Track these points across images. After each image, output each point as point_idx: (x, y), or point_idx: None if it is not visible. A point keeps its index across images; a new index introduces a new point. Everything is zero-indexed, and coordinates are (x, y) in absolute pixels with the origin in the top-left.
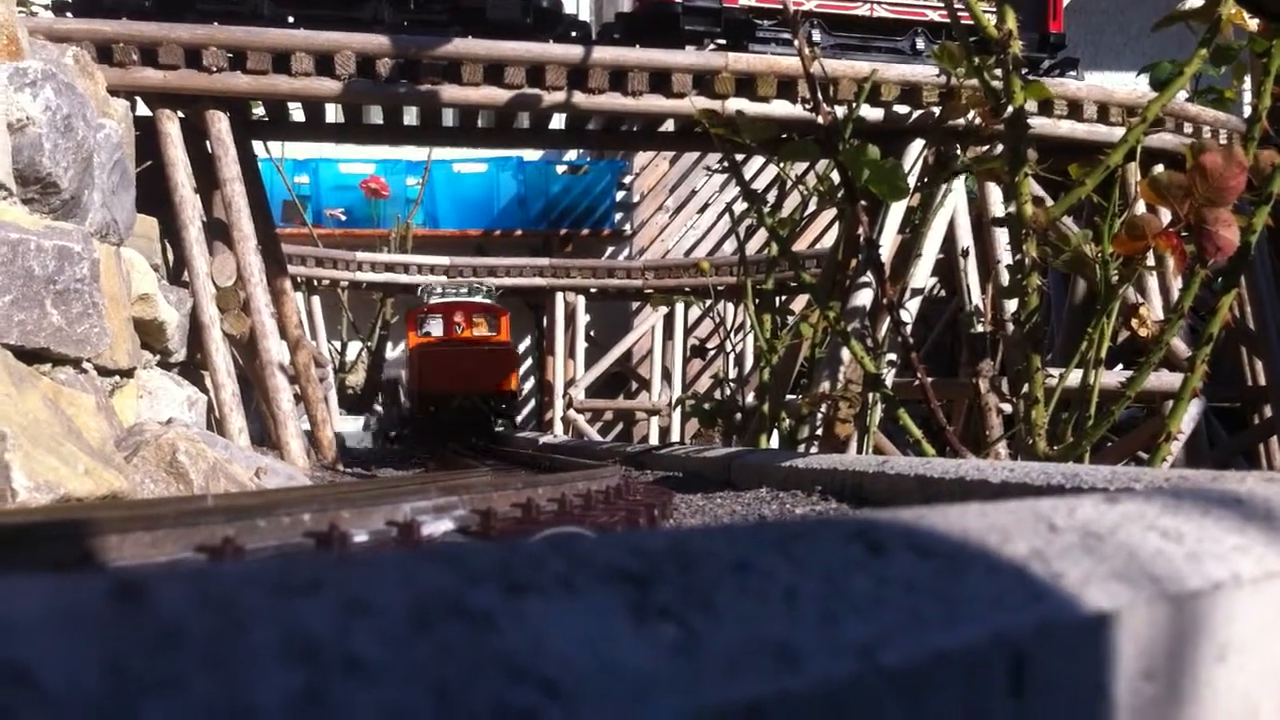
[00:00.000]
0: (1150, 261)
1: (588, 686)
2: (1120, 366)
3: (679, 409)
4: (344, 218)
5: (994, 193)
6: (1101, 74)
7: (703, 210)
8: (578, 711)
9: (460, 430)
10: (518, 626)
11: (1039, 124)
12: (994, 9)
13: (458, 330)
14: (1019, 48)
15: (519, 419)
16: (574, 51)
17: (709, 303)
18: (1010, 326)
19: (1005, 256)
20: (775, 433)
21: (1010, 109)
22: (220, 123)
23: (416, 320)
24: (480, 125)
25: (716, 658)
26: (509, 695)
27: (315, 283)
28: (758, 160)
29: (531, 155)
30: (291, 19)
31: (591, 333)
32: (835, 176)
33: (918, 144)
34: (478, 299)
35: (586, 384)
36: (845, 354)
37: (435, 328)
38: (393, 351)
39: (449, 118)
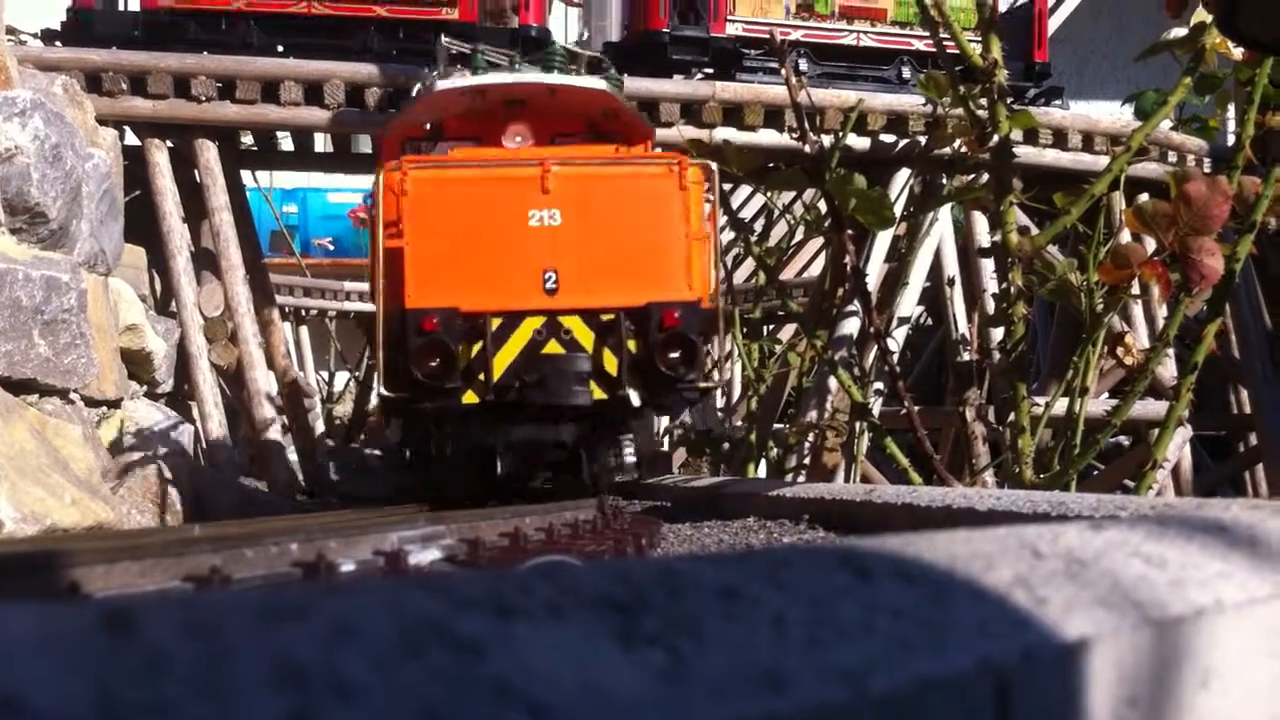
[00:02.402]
0: (1135, 290)
1: (576, 710)
2: (1106, 395)
3: (667, 438)
4: (332, 247)
5: (980, 221)
6: (1086, 103)
7: None
8: None
9: (529, 451)
10: (507, 652)
11: (1024, 153)
12: (979, 38)
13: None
14: (1004, 77)
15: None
16: None
17: None
18: (996, 355)
19: (991, 285)
20: (763, 462)
21: (996, 138)
22: (209, 152)
23: (406, 135)
24: None
25: (704, 683)
26: (498, 718)
27: (303, 313)
28: (745, 189)
29: None
30: (280, 48)
31: None
32: (822, 205)
33: (904, 173)
34: (571, 80)
35: None
36: (832, 383)
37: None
38: None
39: None
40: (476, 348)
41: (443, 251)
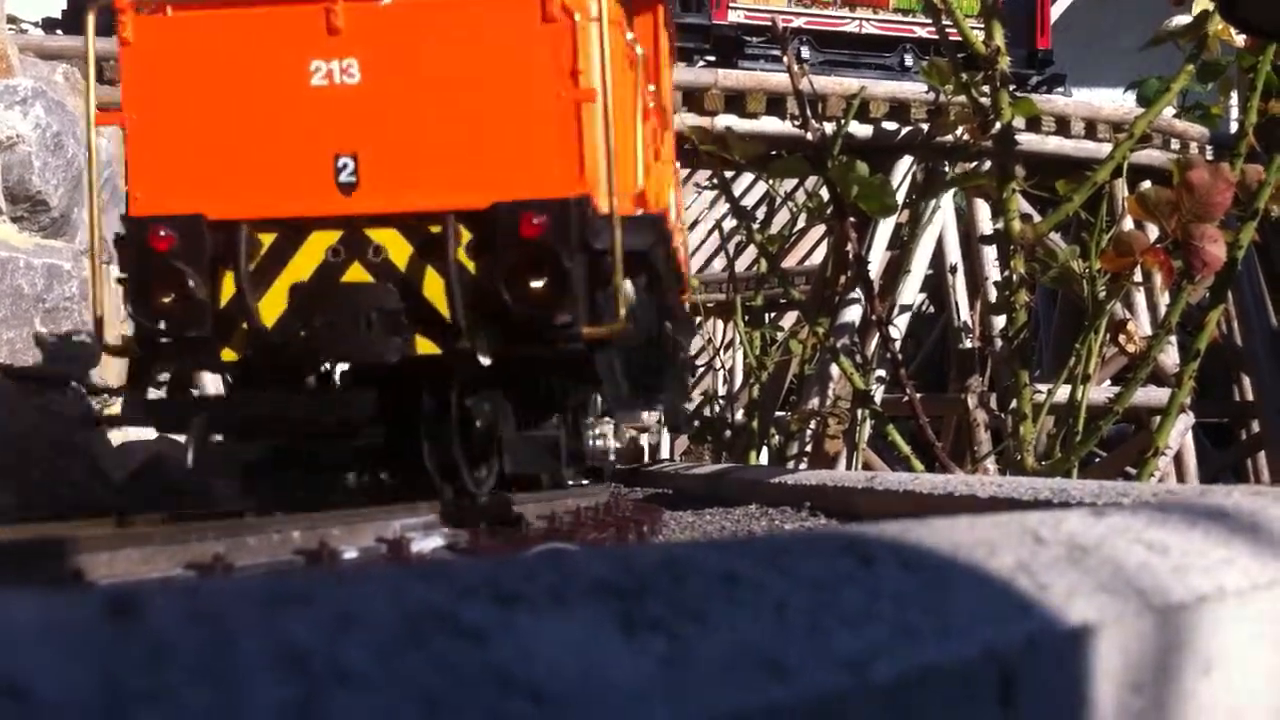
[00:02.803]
0: (1138, 277)
1: (578, 696)
2: (1108, 382)
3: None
4: None
5: (982, 209)
6: (1089, 90)
7: (692, 227)
8: None
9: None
10: (509, 639)
11: (1027, 140)
12: (981, 25)
13: None
14: (1006, 64)
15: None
16: None
17: (698, 320)
18: (999, 342)
19: (994, 273)
20: (764, 449)
21: (998, 125)
22: None
23: None
24: None
25: (706, 669)
26: (501, 705)
27: None
28: (747, 177)
29: None
30: None
31: None
32: (824, 193)
33: (906, 160)
34: None
35: None
36: (834, 370)
37: None
38: None
39: None
40: (231, 278)
41: (181, 131)
